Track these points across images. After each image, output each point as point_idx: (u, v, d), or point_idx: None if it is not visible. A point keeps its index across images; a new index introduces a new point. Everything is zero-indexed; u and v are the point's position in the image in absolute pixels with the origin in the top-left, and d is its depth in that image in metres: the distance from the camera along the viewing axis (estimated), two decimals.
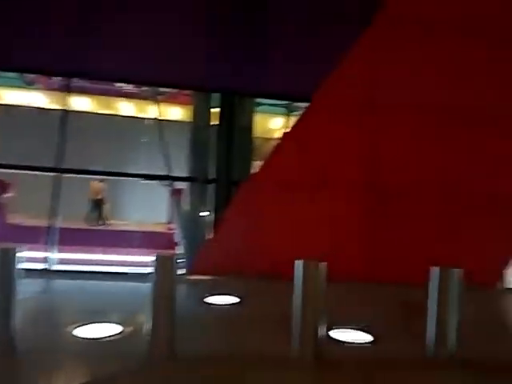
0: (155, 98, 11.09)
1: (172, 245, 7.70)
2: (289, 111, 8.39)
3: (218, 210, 6.74)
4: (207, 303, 4.78)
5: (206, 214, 6.96)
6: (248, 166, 7.11)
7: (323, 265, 3.37)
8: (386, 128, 7.05)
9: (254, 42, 6.86)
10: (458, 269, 3.46)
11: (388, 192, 6.95)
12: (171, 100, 12.81)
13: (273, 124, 10.40)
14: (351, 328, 4.05)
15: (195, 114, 8.07)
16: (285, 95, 7.33)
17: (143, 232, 10.33)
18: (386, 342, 3.77)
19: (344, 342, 3.70)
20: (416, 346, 3.52)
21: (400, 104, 6.98)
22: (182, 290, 5.60)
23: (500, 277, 7.12)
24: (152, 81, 7.03)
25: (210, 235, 6.75)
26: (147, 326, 3.13)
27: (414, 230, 6.87)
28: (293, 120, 7.31)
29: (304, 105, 7.17)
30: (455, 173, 7.03)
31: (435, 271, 3.49)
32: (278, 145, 7.04)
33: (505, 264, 7.12)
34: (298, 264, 3.40)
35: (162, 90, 10.40)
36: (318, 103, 6.93)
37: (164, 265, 3.18)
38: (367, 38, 6.95)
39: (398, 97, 7.00)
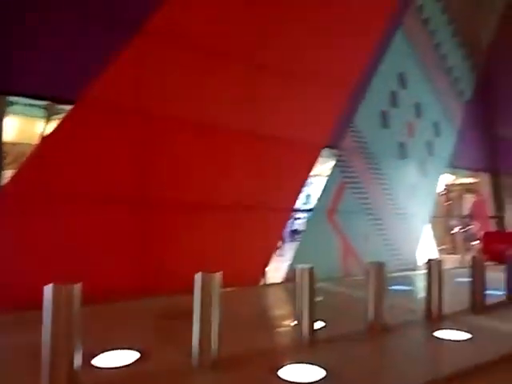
0: None
1: None
2: (49, 114, 7.42)
3: None
4: None
5: None
6: None
7: (77, 287, 2.97)
8: (153, 138, 7.04)
9: (9, 32, 5.86)
10: (218, 273, 3.62)
11: (151, 204, 6.93)
12: None
13: (30, 127, 9.07)
14: (118, 349, 3.76)
15: None
16: (42, 95, 6.43)
17: None
18: (153, 357, 3.64)
19: (105, 368, 3.37)
20: (182, 354, 3.51)
21: (167, 114, 7.11)
22: None
23: (262, 274, 8.06)
24: None
25: None
26: None
27: (177, 243, 7.02)
28: (53, 124, 6.52)
29: (66, 107, 6.49)
30: (215, 184, 7.55)
31: (198, 277, 3.57)
32: (35, 151, 6.14)
33: (266, 264, 8.11)
34: (47, 289, 2.91)
35: None
36: (80, 108, 6.38)
37: None
38: (134, 45, 6.84)
39: (163, 105, 7.12)
